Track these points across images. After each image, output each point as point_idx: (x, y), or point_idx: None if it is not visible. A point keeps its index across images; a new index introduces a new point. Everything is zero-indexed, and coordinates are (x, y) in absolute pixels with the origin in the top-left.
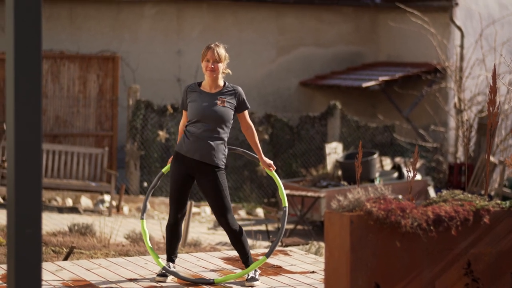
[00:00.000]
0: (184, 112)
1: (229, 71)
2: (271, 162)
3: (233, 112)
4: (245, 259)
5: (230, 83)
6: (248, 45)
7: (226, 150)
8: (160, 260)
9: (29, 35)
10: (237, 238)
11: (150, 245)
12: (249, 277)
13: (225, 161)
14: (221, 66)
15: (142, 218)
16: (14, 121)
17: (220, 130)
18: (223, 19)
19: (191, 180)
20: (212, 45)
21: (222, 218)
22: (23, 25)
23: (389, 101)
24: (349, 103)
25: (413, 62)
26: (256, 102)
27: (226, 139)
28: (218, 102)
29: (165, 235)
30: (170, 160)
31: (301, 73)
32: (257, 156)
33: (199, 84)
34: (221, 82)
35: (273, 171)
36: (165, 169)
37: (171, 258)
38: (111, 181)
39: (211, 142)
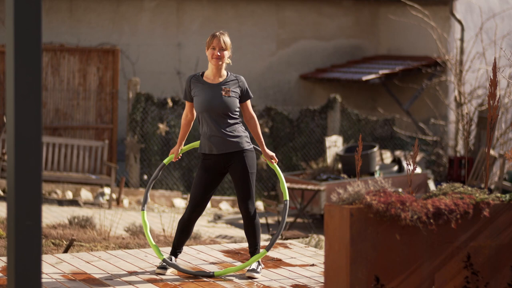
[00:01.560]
0: (187, 103)
1: (230, 61)
2: (273, 154)
3: (238, 101)
4: (253, 249)
5: (232, 73)
6: (248, 38)
7: (243, 128)
8: (160, 251)
9: (29, 27)
10: (251, 227)
11: (150, 237)
12: (250, 268)
13: (248, 140)
14: (227, 54)
15: (143, 210)
16: (14, 114)
17: (230, 117)
18: (223, 12)
19: (219, 179)
20: (218, 33)
21: (242, 204)
22: (23, 17)
23: (389, 94)
24: (349, 97)
25: (413, 55)
26: (256, 95)
27: (239, 121)
28: (223, 92)
29: (176, 228)
30: (171, 151)
31: (301, 66)
32: (259, 148)
33: (202, 74)
34: (224, 72)
35: (275, 164)
36: (167, 161)
37: (175, 252)
38: (111, 174)
39: (226, 132)
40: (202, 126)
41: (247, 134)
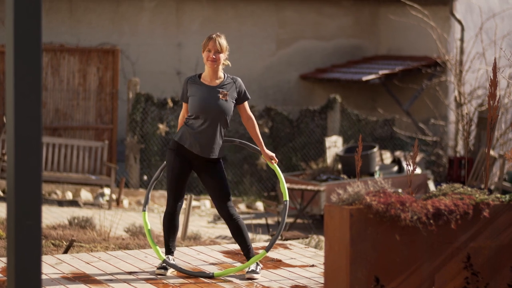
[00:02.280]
0: (184, 104)
1: (229, 62)
2: (273, 154)
3: (233, 105)
4: (247, 251)
5: (229, 74)
6: (248, 38)
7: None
8: (160, 252)
9: (29, 27)
10: (237, 230)
11: (151, 237)
12: (249, 269)
13: (222, 149)
14: (222, 57)
15: (144, 210)
16: (14, 114)
17: (221, 124)
18: (223, 12)
19: (190, 170)
20: (214, 35)
21: (223, 209)
22: (23, 17)
23: (389, 94)
24: (349, 97)
25: (413, 55)
26: (256, 95)
27: (225, 131)
28: (220, 96)
29: (162, 226)
30: None
31: (301, 66)
32: (258, 149)
33: (199, 76)
34: (221, 74)
35: (275, 164)
36: None
37: (169, 249)
38: (111, 174)
39: (213, 138)
40: (193, 121)
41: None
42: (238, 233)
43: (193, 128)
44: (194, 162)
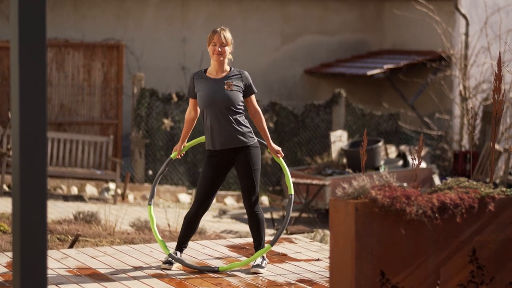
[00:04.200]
0: (191, 100)
1: (231, 56)
2: (279, 148)
3: (241, 95)
4: (258, 244)
5: (236, 68)
6: (252, 33)
7: (247, 123)
8: (166, 246)
9: (33, 23)
10: (256, 222)
11: (157, 232)
12: (255, 263)
13: (252, 135)
14: (228, 50)
15: (149, 204)
16: (19, 110)
17: (234, 112)
18: (227, 7)
19: (224, 175)
20: (219, 29)
21: (247, 199)
22: (27, 13)
23: (394, 89)
24: (354, 91)
25: (418, 50)
26: (261, 90)
27: (243, 116)
28: (225, 86)
29: (182, 224)
30: (175, 148)
31: (305, 61)
32: (265, 142)
33: (205, 71)
34: (227, 67)
35: (281, 158)
36: (174, 155)
37: (180, 247)
38: (116, 169)
39: (230, 127)
40: (206, 121)
41: (250, 129)
42: (255, 226)
43: (208, 127)
44: (228, 158)
